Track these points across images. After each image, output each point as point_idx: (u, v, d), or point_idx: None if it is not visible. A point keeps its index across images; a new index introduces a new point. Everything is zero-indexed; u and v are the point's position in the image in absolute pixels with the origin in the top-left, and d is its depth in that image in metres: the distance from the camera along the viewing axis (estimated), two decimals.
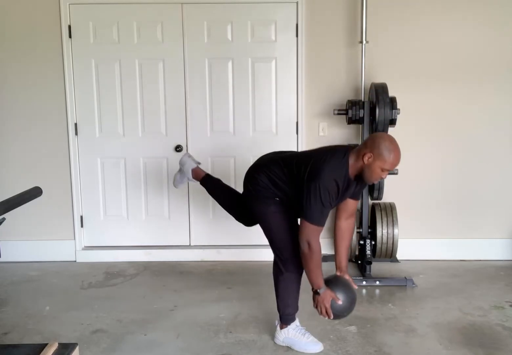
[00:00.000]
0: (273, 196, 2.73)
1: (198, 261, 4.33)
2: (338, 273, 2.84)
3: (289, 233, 2.75)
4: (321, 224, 2.59)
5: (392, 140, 2.56)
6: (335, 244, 2.89)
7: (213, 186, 3.19)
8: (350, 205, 2.81)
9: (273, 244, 2.82)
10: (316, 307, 2.70)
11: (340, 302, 2.65)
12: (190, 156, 3.25)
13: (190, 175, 3.19)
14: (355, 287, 2.78)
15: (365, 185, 2.81)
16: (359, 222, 4.01)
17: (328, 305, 2.64)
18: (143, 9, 4.13)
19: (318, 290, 2.65)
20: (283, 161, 2.74)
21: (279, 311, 2.89)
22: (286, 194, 2.71)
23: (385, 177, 2.65)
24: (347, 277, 2.82)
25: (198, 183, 3.21)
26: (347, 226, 2.86)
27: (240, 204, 2.98)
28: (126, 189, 4.37)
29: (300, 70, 4.14)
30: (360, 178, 2.61)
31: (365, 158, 2.53)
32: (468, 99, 4.15)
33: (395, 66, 4.11)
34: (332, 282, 2.72)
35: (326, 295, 2.64)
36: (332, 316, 2.67)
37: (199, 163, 3.23)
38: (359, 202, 4.00)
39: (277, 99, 4.21)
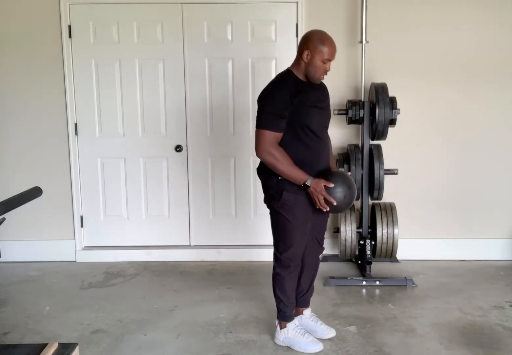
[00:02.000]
0: (277, 175, 2.67)
1: (198, 261, 4.33)
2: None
3: (290, 234, 2.74)
4: (275, 129, 2.60)
5: (321, 31, 2.67)
6: None
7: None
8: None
9: (274, 238, 2.83)
10: (315, 202, 2.64)
11: (332, 185, 2.59)
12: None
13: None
14: (348, 173, 2.82)
15: (327, 92, 2.83)
16: (359, 222, 4.01)
17: (324, 192, 2.59)
18: (143, 9, 4.13)
19: (306, 182, 2.61)
20: None
21: (276, 307, 2.89)
22: None
23: (329, 69, 2.67)
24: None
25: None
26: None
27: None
28: (126, 189, 4.37)
29: None
30: (313, 83, 2.69)
31: (304, 57, 2.62)
32: (468, 99, 4.15)
33: (395, 66, 4.11)
34: (319, 174, 2.68)
35: (317, 182, 2.60)
36: (334, 201, 2.60)
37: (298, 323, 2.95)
38: (359, 201, 4.02)
39: None
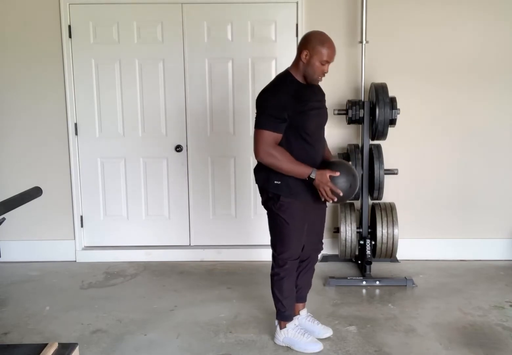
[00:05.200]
0: (273, 179, 2.68)
1: (198, 261, 4.33)
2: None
3: (290, 234, 2.75)
4: (274, 129, 2.58)
5: (322, 33, 2.65)
6: None
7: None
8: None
9: (272, 239, 2.83)
10: (321, 194, 2.62)
11: (338, 173, 2.58)
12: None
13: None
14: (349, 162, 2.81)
15: (323, 95, 2.84)
16: (359, 222, 4.01)
17: (330, 183, 2.58)
18: (143, 9, 4.13)
19: (310, 175, 2.59)
20: None
21: (275, 307, 2.89)
22: None
23: (327, 71, 2.67)
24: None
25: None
26: None
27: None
28: (126, 189, 4.37)
29: None
30: (311, 84, 2.69)
31: (303, 57, 2.60)
32: (468, 99, 4.15)
33: (395, 66, 4.11)
34: (322, 164, 2.69)
35: (321, 174, 2.59)
36: (341, 192, 2.59)
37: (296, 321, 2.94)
38: (359, 201, 4.02)
39: None
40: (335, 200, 2.62)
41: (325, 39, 2.62)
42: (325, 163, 2.74)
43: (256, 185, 2.84)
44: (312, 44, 2.59)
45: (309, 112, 2.66)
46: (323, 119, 2.83)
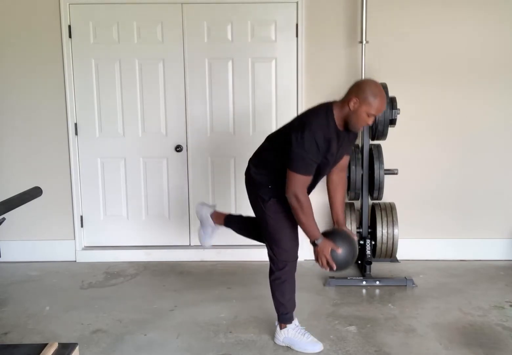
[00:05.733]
0: (266, 184, 2.71)
1: (198, 261, 4.33)
2: (336, 227, 2.84)
3: (283, 234, 2.76)
4: (307, 173, 2.57)
5: (377, 84, 2.56)
6: (330, 198, 2.89)
7: (238, 224, 3.13)
8: (342, 159, 2.80)
9: (267, 243, 2.83)
10: (317, 260, 2.66)
11: (340, 251, 2.61)
12: (203, 203, 3.18)
13: (211, 222, 3.09)
14: (355, 237, 2.78)
15: (354, 138, 2.78)
16: (359, 222, 4.01)
17: (328, 256, 2.61)
18: (143, 9, 4.13)
19: (315, 241, 2.62)
20: (268, 139, 2.81)
21: (276, 311, 2.90)
22: (276, 171, 2.66)
23: (371, 123, 2.63)
24: (345, 229, 2.82)
25: (224, 227, 3.15)
26: (339, 179, 2.86)
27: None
28: (126, 189, 4.37)
29: (300, 70, 4.14)
30: (347, 128, 2.60)
31: (351, 104, 2.51)
32: (468, 99, 4.15)
33: (395, 66, 4.11)
34: (330, 234, 2.70)
35: (325, 244, 2.62)
36: (335, 267, 2.63)
37: (214, 206, 3.17)
38: (359, 201, 4.02)
39: (277, 99, 4.21)
40: (327, 270, 2.69)
41: (379, 92, 2.51)
42: (333, 233, 2.74)
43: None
44: (364, 94, 2.49)
45: (328, 158, 2.62)
46: (335, 163, 2.76)
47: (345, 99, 2.56)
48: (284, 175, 2.60)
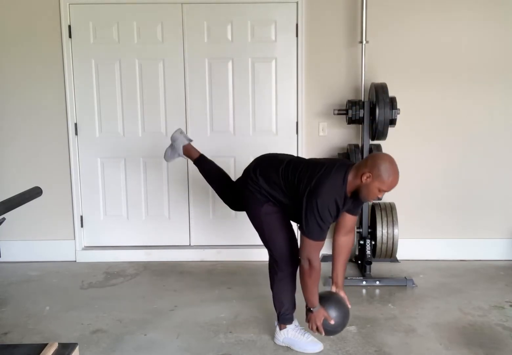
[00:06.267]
0: (267, 199, 2.73)
1: (198, 261, 4.33)
2: (334, 289, 2.85)
3: (281, 233, 2.76)
4: (321, 239, 2.58)
5: (393, 162, 2.50)
6: (333, 259, 2.88)
7: (207, 167, 3.17)
8: (348, 220, 2.76)
9: (266, 244, 2.83)
10: (308, 323, 2.73)
11: (332, 322, 2.67)
12: (182, 132, 3.21)
13: (181, 151, 3.16)
14: (349, 305, 2.79)
15: (362, 202, 2.74)
16: (359, 222, 4.01)
17: (319, 323, 2.68)
18: (143, 9, 4.13)
19: (312, 309, 2.69)
20: (283, 170, 2.69)
21: (276, 311, 2.90)
22: (281, 200, 2.70)
23: (381, 197, 2.62)
24: (342, 294, 2.83)
25: (189, 160, 3.22)
26: (346, 242, 2.83)
27: (232, 190, 3.00)
28: (126, 189, 4.37)
29: (300, 70, 4.14)
30: (356, 195, 2.57)
31: (364, 178, 2.47)
32: (468, 99, 4.15)
33: (395, 66, 4.11)
34: (326, 299, 2.73)
35: (319, 313, 2.67)
36: (323, 333, 2.71)
37: (191, 140, 3.20)
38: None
39: (277, 99, 4.21)
40: (315, 333, 2.75)
41: (394, 171, 2.48)
42: (330, 299, 2.75)
43: None
44: (378, 172, 2.45)
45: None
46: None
47: (359, 172, 2.50)
48: (287, 205, 2.67)
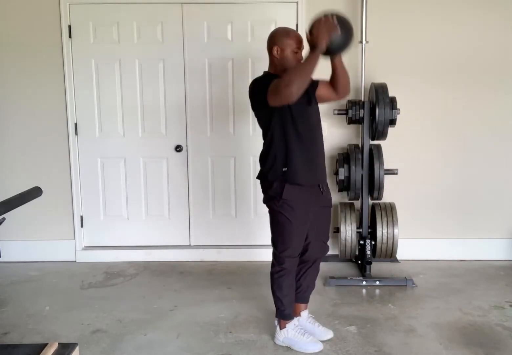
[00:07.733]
0: (280, 167, 2.71)
1: (198, 261, 4.33)
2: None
3: (289, 232, 2.75)
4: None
5: (283, 26, 2.84)
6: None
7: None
8: (326, 85, 2.92)
9: (273, 236, 2.84)
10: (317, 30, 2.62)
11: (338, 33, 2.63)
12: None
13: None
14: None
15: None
16: (359, 222, 4.01)
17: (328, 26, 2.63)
18: (143, 9, 4.13)
19: (316, 50, 2.57)
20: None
21: (275, 306, 2.90)
22: (274, 142, 2.75)
23: (302, 58, 2.69)
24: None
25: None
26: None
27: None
28: (126, 189, 4.37)
29: None
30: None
31: (275, 53, 2.69)
32: (468, 99, 4.15)
33: (395, 66, 4.11)
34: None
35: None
36: (336, 21, 2.67)
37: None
38: (359, 201, 4.02)
39: None
40: (326, 40, 2.60)
41: (288, 29, 2.77)
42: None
43: (256, 185, 2.86)
44: (278, 38, 2.70)
45: (293, 107, 2.66)
46: (312, 114, 2.83)
47: (270, 57, 2.74)
48: (281, 143, 2.70)
